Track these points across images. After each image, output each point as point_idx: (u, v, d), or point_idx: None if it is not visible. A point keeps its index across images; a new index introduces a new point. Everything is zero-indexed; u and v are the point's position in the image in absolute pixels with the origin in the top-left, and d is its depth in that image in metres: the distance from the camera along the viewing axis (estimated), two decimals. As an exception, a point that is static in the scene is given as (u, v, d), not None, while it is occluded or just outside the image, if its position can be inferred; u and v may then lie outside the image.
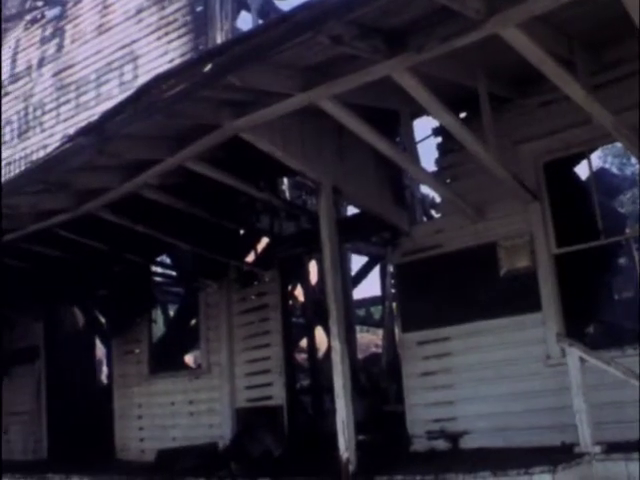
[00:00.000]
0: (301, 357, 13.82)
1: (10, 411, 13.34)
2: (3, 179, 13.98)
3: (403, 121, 7.63)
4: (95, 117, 6.55)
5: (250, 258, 10.10)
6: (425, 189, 11.05)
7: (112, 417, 11.52)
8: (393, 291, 12.69)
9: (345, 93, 5.51)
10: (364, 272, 14.30)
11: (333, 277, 6.78)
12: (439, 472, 6.17)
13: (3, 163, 15.39)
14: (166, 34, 12.50)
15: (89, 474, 9.76)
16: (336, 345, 6.71)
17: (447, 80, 5.94)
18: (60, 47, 14.77)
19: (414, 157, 7.71)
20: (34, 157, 14.20)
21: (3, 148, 15.34)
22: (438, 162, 8.07)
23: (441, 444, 7.71)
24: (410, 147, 7.77)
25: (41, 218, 7.91)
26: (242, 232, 10.11)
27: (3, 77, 15.86)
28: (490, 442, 7.20)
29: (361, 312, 16.66)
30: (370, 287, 15.49)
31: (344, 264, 11.41)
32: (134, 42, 13.08)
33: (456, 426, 7.63)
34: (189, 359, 15.61)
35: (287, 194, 11.31)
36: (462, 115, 7.25)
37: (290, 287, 11.45)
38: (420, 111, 7.01)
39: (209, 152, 6.54)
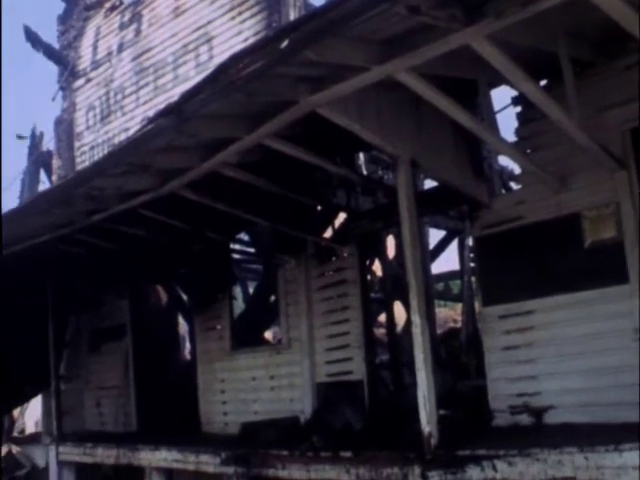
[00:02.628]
0: (379, 332, 13.85)
1: (101, 386, 13.94)
2: (88, 162, 14.49)
3: (481, 91, 7.45)
4: (174, 99, 6.66)
5: (328, 234, 10.15)
6: (503, 160, 10.86)
7: (196, 392, 11.84)
8: (472, 265, 12.55)
9: (422, 64, 5.42)
10: (442, 246, 14.18)
11: (412, 251, 6.75)
12: (523, 447, 6.10)
13: (87, 147, 15.90)
14: (240, 13, 12.58)
15: (176, 446, 10.12)
16: (416, 319, 6.69)
17: (527, 46, 5.77)
18: (138, 32, 15.07)
19: (493, 127, 7.52)
20: (116, 140, 14.61)
21: (87, 133, 15.84)
22: (518, 132, 7.87)
23: (524, 419, 7.61)
24: (489, 117, 7.60)
25: (125, 199, 8.14)
26: (319, 208, 10.15)
27: (85, 64, 16.33)
28: (575, 418, 7.06)
29: (440, 286, 16.53)
30: (448, 261, 15.31)
31: (422, 238, 11.32)
32: (209, 23, 13.22)
33: (540, 401, 7.51)
34: (268, 335, 15.88)
35: (363, 169, 11.29)
36: (543, 82, 7.05)
37: (368, 262, 11.44)
38: (498, 80, 6.86)
39: (286, 129, 6.56)
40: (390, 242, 12.50)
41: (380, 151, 8.66)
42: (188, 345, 16.21)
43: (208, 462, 9.36)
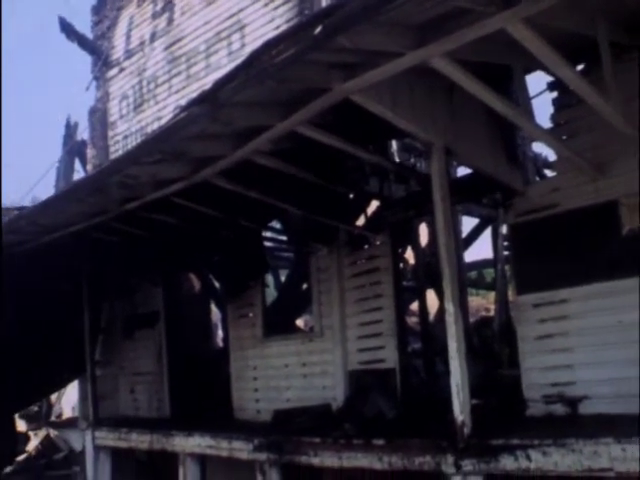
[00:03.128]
0: (411, 321, 13.81)
1: (135, 372, 14.12)
2: (121, 151, 14.61)
3: (516, 77, 7.37)
4: (206, 87, 6.67)
5: (360, 222, 10.13)
6: (537, 147, 10.72)
7: (228, 379, 11.93)
8: (506, 253, 12.44)
9: (456, 50, 5.35)
10: (475, 234, 14.07)
11: (446, 239, 6.71)
12: (558, 437, 6.05)
13: (121, 136, 16.03)
14: (272, 0, 12.55)
15: (209, 432, 10.22)
16: (450, 307, 6.65)
17: (564, 30, 5.66)
18: (170, 20, 15.12)
19: (528, 114, 7.43)
20: (149, 129, 14.70)
21: (121, 122, 15.96)
22: (554, 118, 7.77)
23: (559, 409, 7.54)
24: (524, 103, 7.51)
25: (159, 187, 8.19)
26: (352, 196, 10.12)
27: (119, 54, 16.44)
28: (611, 408, 6.98)
29: (472, 275, 16.42)
30: (481, 249, 15.17)
31: (455, 226, 11.25)
32: (241, 11, 13.20)
33: (575, 391, 7.44)
34: (299, 323, 15.93)
35: (396, 157, 11.22)
36: (580, 67, 6.93)
37: (400, 250, 11.40)
38: (534, 65, 6.75)
39: (319, 116, 6.53)
40: (423, 230, 12.43)
41: (413, 139, 8.62)
42: (220, 332, 16.34)
43: (241, 448, 9.44)
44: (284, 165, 7.77)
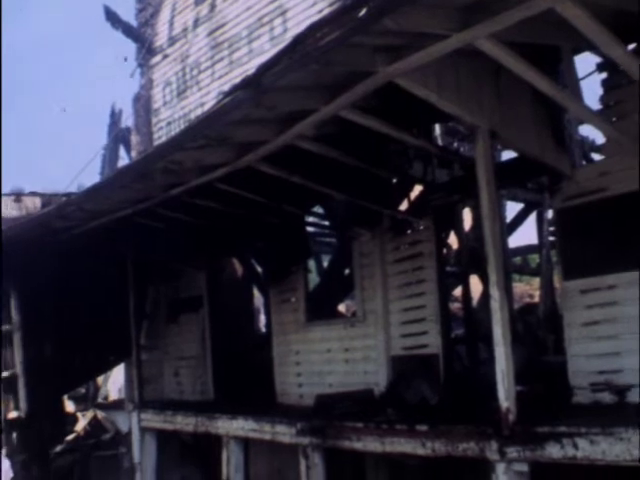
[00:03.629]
0: (454, 306, 13.72)
1: (179, 356, 14.31)
2: (165, 138, 14.73)
3: (564, 58, 7.21)
4: (249, 73, 6.68)
5: (403, 206, 10.06)
6: (584, 130, 10.50)
7: (271, 363, 12.00)
8: (551, 238, 12.26)
9: (503, 31, 5.25)
10: (519, 219, 13.88)
11: (491, 223, 6.62)
12: (606, 425, 5.95)
13: (164, 123, 16.17)
14: (314, -16, 12.49)
15: (253, 416, 10.30)
16: (495, 293, 6.58)
17: (614, 9, 5.51)
18: (213, 7, 15.16)
19: (577, 95, 7.27)
20: (192, 116, 14.80)
21: (164, 109, 16.10)
22: (603, 100, 7.58)
23: (606, 397, 7.41)
24: (572, 85, 7.34)
25: (203, 172, 8.25)
26: (395, 180, 10.05)
27: (162, 41, 16.57)
28: (658, 398, 6.86)
29: (517, 260, 16.22)
30: (525, 235, 14.98)
31: (499, 211, 11.10)
32: (283, -5, 13.18)
33: (622, 379, 7.29)
34: (341, 308, 15.94)
35: (439, 141, 11.11)
36: (630, 47, 6.74)
37: (444, 235, 11.29)
38: (582, 46, 6.61)
39: (363, 100, 6.49)
40: (466, 215, 12.30)
41: (458, 122, 8.51)
42: (262, 317, 16.44)
43: (284, 432, 9.49)
44: (327, 150, 7.75)
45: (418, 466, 8.49)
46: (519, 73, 5.88)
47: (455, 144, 11.66)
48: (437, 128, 11.11)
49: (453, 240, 12.28)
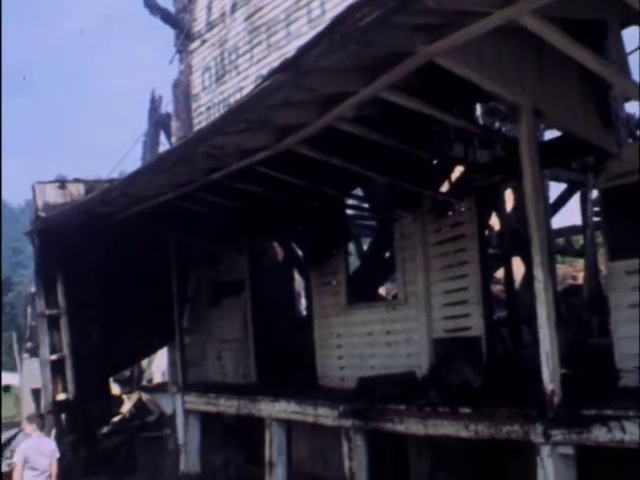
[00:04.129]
0: (496, 288, 13.57)
1: (222, 339, 14.46)
2: (205, 123, 14.80)
3: (611, 32, 7.01)
4: (287, 56, 6.65)
5: (444, 188, 9.95)
6: (631, 108, 10.25)
7: (313, 346, 12.05)
8: (595, 219, 12.03)
9: (547, 6, 5.14)
10: (563, 200, 13.64)
11: (535, 204, 6.53)
12: (655, 408, 5.85)
13: (204, 108, 16.24)
14: (352, -35, 12.34)
15: (295, 398, 10.37)
16: (539, 274, 6.50)
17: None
18: (250, -10, 15.11)
19: (624, 71, 7.08)
20: (231, 100, 14.82)
21: (204, 94, 16.16)
22: (651, 76, 7.39)
23: (654, 380, 7.28)
24: (619, 60, 7.14)
25: (243, 156, 8.28)
26: (436, 161, 9.95)
27: (200, 26, 16.59)
28: None
29: (560, 242, 15.95)
30: (569, 215, 14.72)
31: (542, 192, 10.93)
32: (320, -23, 13.06)
33: (670, 361, 7.16)
34: (381, 291, 15.89)
35: (480, 121, 10.94)
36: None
37: (485, 217, 11.15)
38: (631, 19, 6.43)
39: (403, 81, 6.43)
40: (508, 196, 12.13)
41: (500, 101, 8.38)
42: (303, 301, 16.49)
43: (326, 415, 9.54)
44: (367, 131, 7.71)
45: (461, 449, 8.45)
46: (563, 49, 5.76)
47: (496, 124, 11.46)
48: (478, 108, 10.93)
49: (495, 222, 12.13)
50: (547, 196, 12.53)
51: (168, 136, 18.42)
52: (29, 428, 9.80)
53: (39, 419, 10.14)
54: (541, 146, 7.73)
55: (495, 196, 11.06)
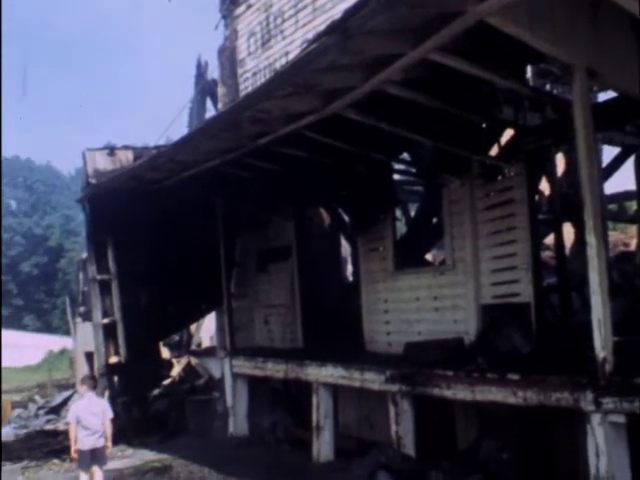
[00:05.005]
0: (545, 255, 13.35)
1: (269, 304, 14.59)
2: (251, 89, 14.78)
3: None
4: (333, 19, 6.55)
5: (493, 152, 9.76)
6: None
7: (359, 311, 12.07)
8: (651, 184, 11.71)
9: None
10: (616, 164, 13.27)
11: (588, 168, 6.37)
12: None
13: (250, 74, 16.20)
14: None
15: (342, 363, 10.44)
16: (591, 239, 6.37)
17: None
18: (295, -48, 14.91)
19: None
20: (277, 65, 14.74)
21: (249, 59, 16.11)
22: None
23: None
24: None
25: (290, 121, 8.24)
26: (485, 125, 9.75)
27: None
28: None
29: (613, 208, 15.58)
30: (622, 181, 14.34)
31: (596, 155, 10.64)
32: (367, -63, 12.80)
33: None
34: (428, 257, 15.77)
35: (531, 83, 10.66)
36: None
37: (535, 181, 10.93)
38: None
39: (452, 42, 6.29)
40: (559, 160, 11.86)
41: (552, 62, 8.16)
42: (349, 267, 16.49)
43: (373, 380, 9.59)
44: (416, 95, 7.59)
45: (508, 416, 8.41)
46: (620, 4, 5.54)
47: (548, 86, 11.16)
48: (529, 70, 10.65)
49: (545, 186, 11.89)
50: (600, 160, 12.21)
51: (214, 102, 18.46)
52: (82, 389, 10.15)
53: (91, 380, 10.43)
54: (595, 108, 7.51)
55: (546, 160, 10.80)
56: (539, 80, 11.14)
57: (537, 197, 10.85)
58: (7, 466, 12.62)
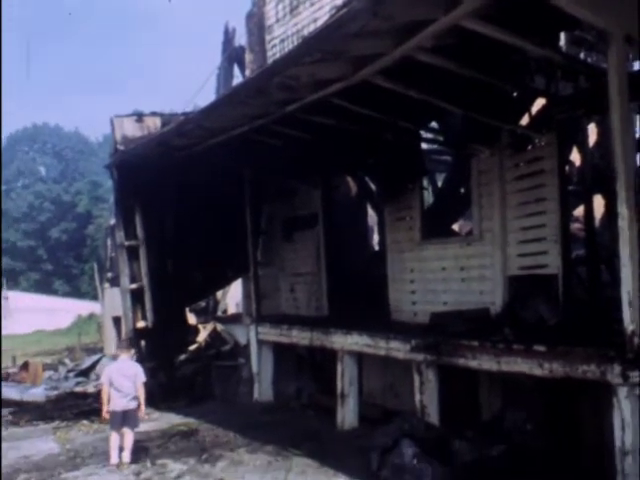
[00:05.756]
0: (574, 227, 13.19)
1: (294, 272, 14.64)
2: (279, 55, 14.66)
3: None
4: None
5: (524, 121, 9.61)
6: None
7: (385, 281, 12.06)
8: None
9: None
10: (650, 136, 13.00)
11: (622, 137, 6.24)
12: None
13: (277, 40, 16.07)
14: None
15: (367, 331, 10.47)
16: (623, 211, 6.27)
17: None
18: None
19: None
20: (305, 32, 14.59)
21: (277, 26, 15.97)
22: None
23: None
24: None
25: (318, 88, 8.17)
26: (516, 94, 9.58)
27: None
28: None
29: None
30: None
31: (630, 125, 10.42)
32: None
33: None
34: (454, 227, 15.67)
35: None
36: None
37: (566, 152, 10.76)
38: None
39: (484, 8, 6.18)
40: (591, 130, 11.64)
41: (587, 29, 7.97)
42: (376, 236, 16.45)
43: (398, 348, 9.61)
44: (446, 62, 7.46)
45: (533, 387, 8.39)
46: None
47: (582, 54, 10.92)
48: (562, 37, 10.42)
49: (576, 157, 11.70)
50: (634, 131, 11.96)
51: (241, 69, 18.37)
52: (118, 352, 10.52)
53: (127, 344, 10.83)
54: (632, 76, 7.34)
55: (577, 130, 10.62)
56: (573, 48, 10.90)
57: (567, 168, 10.68)
58: (40, 425, 12.98)
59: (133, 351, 10.48)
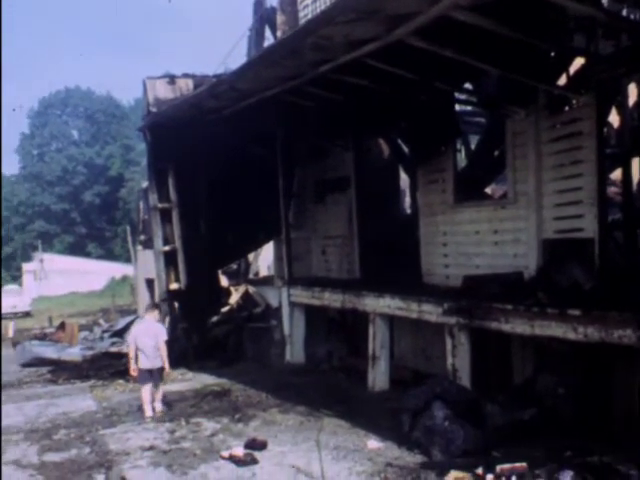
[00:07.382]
0: (611, 190, 12.96)
1: (326, 235, 14.65)
2: (311, 16, 14.47)
3: None
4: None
5: (561, 81, 9.38)
6: None
7: (417, 244, 12.01)
8: None
9: None
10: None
11: (665, 97, 6.06)
12: None
13: (309, 1, 15.86)
14: None
15: (399, 294, 10.47)
16: (664, 173, 6.11)
17: None
18: None
19: None
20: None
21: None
22: None
23: None
24: None
25: (352, 48, 8.06)
26: (553, 53, 9.35)
27: None
28: None
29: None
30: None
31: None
32: None
33: None
34: (487, 191, 15.49)
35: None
36: None
37: (605, 113, 10.51)
38: None
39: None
40: (631, 91, 11.35)
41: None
42: (407, 199, 16.35)
43: (430, 312, 9.60)
44: (483, 20, 7.29)
45: (565, 352, 8.33)
46: None
47: (624, 11, 10.60)
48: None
49: (614, 119, 11.44)
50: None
51: (273, 31, 18.19)
52: (145, 314, 10.98)
53: (153, 306, 11.24)
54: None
55: (617, 91, 10.35)
56: (615, 4, 10.58)
57: (605, 130, 10.45)
58: (77, 384, 13.34)
59: (157, 312, 10.80)
